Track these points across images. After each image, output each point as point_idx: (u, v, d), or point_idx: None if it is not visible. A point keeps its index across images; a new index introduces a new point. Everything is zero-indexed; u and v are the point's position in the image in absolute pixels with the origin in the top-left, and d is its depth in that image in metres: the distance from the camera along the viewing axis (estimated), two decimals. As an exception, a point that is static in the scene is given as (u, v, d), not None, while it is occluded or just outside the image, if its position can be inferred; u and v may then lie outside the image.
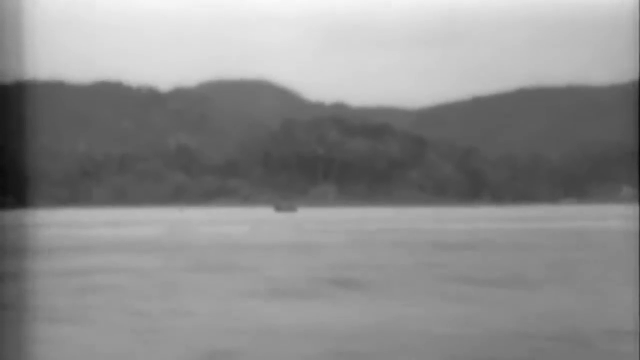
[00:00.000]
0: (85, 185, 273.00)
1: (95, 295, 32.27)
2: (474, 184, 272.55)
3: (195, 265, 46.38)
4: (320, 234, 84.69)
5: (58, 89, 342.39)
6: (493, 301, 29.42)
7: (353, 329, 23.49)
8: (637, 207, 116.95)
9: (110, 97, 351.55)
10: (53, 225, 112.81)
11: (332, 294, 32.14)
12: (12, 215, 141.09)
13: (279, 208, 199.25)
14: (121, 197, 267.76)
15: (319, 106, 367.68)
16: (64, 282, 37.47)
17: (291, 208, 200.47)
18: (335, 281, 37.27)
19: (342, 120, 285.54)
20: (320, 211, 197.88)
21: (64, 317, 26.64)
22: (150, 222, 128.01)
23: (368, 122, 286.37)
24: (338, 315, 26.31)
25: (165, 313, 27.15)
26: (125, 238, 79.02)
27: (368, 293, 32.38)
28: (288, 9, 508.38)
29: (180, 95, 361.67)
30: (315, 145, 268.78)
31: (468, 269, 42.62)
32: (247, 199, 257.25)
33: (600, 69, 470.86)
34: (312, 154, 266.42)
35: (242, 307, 28.53)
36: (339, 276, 39.58)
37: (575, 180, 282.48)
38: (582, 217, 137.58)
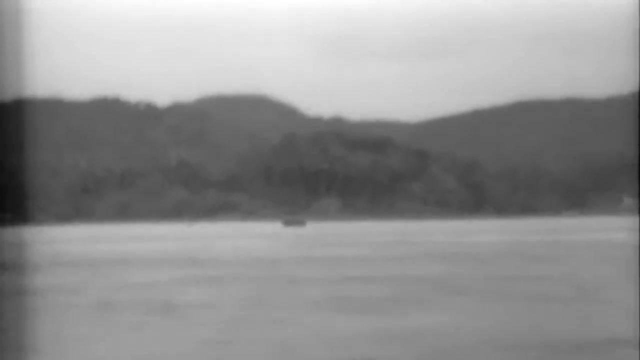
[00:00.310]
0: (87, 201, 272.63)
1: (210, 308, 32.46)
2: (476, 196, 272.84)
3: (270, 277, 46.66)
4: (345, 248, 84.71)
5: (56, 106, 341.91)
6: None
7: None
8: (638, 219, 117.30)
9: (109, 113, 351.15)
10: (74, 241, 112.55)
11: (460, 305, 32.83)
12: (13, 232, 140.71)
13: (287, 222, 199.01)
14: (123, 213, 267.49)
15: (317, 120, 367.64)
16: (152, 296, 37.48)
17: (300, 222, 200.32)
18: (441, 289, 37.79)
19: (344, 134, 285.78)
20: (327, 225, 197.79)
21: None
22: (165, 237, 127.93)
23: (369, 136, 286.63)
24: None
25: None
26: (157, 252, 78.86)
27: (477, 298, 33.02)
28: (285, 23, 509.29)
29: (178, 110, 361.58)
30: (318, 159, 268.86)
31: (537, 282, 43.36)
32: (251, 214, 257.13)
33: (597, 81, 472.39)
34: (314, 168, 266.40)
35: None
36: (437, 286, 40.03)
37: (576, 192, 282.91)
38: (588, 229, 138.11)
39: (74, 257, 72.48)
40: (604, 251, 70.07)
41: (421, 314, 30.49)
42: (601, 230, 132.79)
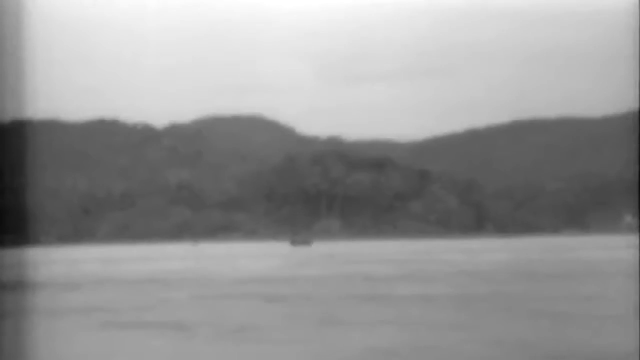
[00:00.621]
0: (88, 222, 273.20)
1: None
2: (476, 215, 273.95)
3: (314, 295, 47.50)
4: (360, 265, 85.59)
5: (55, 128, 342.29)
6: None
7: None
8: (638, 237, 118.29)
9: (107, 134, 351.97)
10: (91, 261, 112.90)
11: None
12: (14, 254, 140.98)
13: (294, 242, 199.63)
14: (125, 233, 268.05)
15: (314, 140, 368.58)
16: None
17: (306, 242, 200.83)
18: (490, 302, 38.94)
19: (344, 154, 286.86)
20: (331, 245, 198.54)
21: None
22: (175, 257, 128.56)
23: (369, 156, 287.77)
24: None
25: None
26: (180, 272, 79.47)
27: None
28: (282, 44, 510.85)
29: (175, 131, 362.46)
30: (318, 180, 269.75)
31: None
32: (253, 234, 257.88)
33: (593, 100, 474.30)
34: (315, 188, 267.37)
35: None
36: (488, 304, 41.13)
37: (576, 211, 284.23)
38: (590, 247, 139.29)
39: (87, 278, 73.24)
40: (606, 269, 71.37)
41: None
42: (602, 248, 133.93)
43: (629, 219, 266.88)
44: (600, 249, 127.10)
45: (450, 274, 67.07)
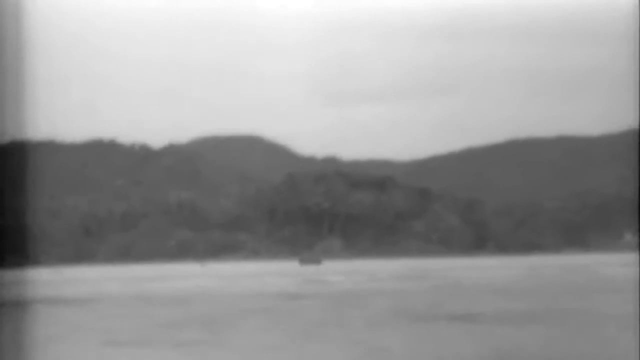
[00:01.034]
0: (90, 243, 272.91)
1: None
2: (477, 234, 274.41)
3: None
4: (382, 282, 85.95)
5: (53, 149, 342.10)
6: None
7: None
8: (638, 255, 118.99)
9: (105, 155, 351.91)
10: (112, 280, 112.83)
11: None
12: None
13: (303, 261, 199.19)
14: (127, 254, 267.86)
15: (311, 160, 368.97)
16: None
17: (316, 261, 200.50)
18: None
19: (345, 174, 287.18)
20: (338, 264, 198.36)
21: None
22: (187, 276, 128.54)
23: (371, 175, 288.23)
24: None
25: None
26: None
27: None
28: (278, 64, 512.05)
29: (173, 151, 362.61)
30: (320, 199, 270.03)
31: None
32: (256, 254, 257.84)
33: (590, 119, 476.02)
34: (317, 207, 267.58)
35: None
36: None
37: (576, 229, 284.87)
38: (593, 265, 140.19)
39: (100, 295, 73.42)
40: (608, 285, 72.97)
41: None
42: (603, 265, 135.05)
43: (628, 237, 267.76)
44: (602, 266, 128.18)
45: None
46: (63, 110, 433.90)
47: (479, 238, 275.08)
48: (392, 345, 34.21)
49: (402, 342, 35.49)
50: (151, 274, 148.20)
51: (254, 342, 34.03)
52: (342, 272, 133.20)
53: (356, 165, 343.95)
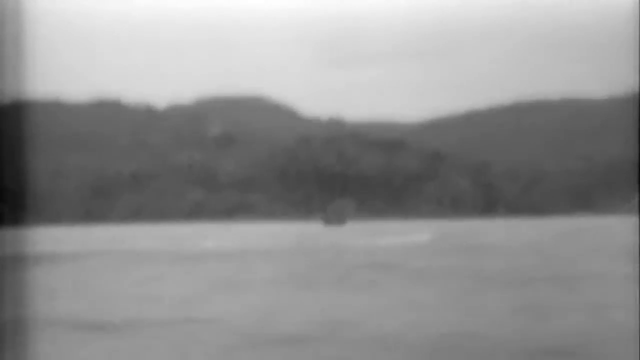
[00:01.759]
0: (100, 203, 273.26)
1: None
2: (488, 197, 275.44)
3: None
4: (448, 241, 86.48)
5: (56, 108, 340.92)
6: None
7: None
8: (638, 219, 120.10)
9: (109, 115, 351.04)
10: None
11: None
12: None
13: (328, 221, 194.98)
14: (138, 214, 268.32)
15: (317, 121, 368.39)
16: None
17: (340, 221, 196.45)
18: None
19: (358, 136, 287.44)
20: (362, 225, 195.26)
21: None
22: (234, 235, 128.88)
23: (382, 137, 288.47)
24: None
25: None
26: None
27: None
28: (283, 25, 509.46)
29: (177, 112, 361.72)
30: (333, 161, 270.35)
31: None
32: (271, 215, 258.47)
33: (595, 81, 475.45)
34: (329, 169, 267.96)
35: None
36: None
37: (584, 192, 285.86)
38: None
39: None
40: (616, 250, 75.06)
41: None
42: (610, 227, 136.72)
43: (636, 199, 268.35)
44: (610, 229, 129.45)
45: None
46: (67, 70, 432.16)
47: (489, 201, 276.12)
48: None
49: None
50: (186, 233, 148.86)
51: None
52: (396, 231, 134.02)
53: (362, 127, 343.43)
